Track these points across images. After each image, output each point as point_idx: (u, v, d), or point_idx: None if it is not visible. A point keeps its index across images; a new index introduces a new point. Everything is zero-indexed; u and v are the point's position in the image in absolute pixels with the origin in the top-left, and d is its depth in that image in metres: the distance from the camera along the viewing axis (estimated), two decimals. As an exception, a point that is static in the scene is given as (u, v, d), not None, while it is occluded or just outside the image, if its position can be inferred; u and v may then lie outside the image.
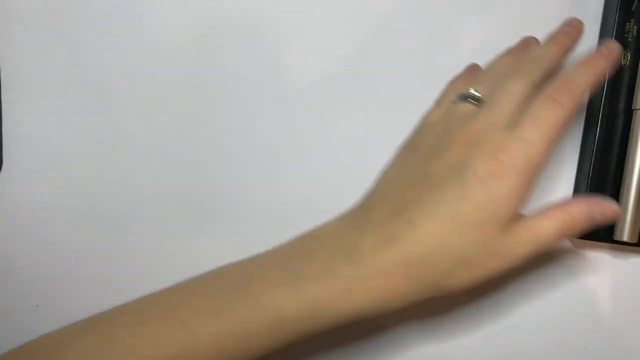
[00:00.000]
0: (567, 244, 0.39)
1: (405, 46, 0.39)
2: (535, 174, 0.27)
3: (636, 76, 0.37)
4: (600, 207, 0.29)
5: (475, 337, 0.39)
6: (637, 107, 0.37)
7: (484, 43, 0.40)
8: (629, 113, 0.38)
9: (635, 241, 0.37)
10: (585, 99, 0.40)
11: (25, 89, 0.39)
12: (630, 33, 0.38)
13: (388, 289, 0.27)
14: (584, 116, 0.40)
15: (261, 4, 0.37)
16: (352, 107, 0.39)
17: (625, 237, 0.37)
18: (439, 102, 0.34)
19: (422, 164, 0.29)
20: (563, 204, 0.29)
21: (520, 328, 0.39)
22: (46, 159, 0.39)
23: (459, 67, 0.38)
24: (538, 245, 0.28)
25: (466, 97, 0.31)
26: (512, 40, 0.40)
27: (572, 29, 0.31)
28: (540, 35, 0.40)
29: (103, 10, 0.39)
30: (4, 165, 0.39)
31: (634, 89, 0.37)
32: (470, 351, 0.39)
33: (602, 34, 0.39)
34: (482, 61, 0.40)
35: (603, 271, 0.39)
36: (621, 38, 0.38)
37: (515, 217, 0.28)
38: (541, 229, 0.28)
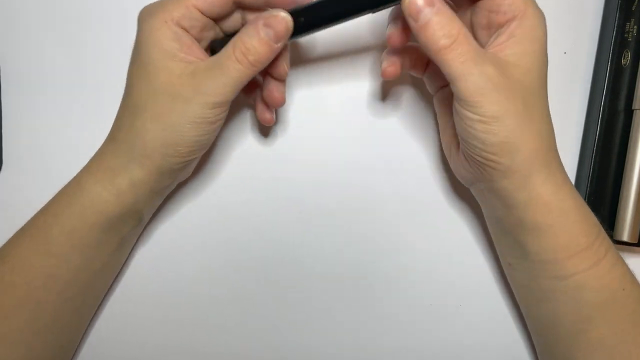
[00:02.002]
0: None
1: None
2: None
3: (636, 76, 0.37)
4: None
5: (472, 336, 0.40)
6: (637, 107, 0.37)
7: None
8: (629, 113, 0.38)
9: (635, 241, 0.37)
10: (586, 98, 0.40)
11: (25, 89, 0.39)
12: (630, 33, 0.38)
13: None
14: (584, 116, 0.40)
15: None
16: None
17: (625, 237, 0.37)
18: None
19: None
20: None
21: (519, 329, 0.39)
22: (46, 159, 0.39)
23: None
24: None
25: None
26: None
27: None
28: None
29: (103, 10, 0.39)
30: (4, 165, 0.39)
31: (634, 89, 0.37)
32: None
33: (602, 34, 0.39)
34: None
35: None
36: (621, 38, 0.38)
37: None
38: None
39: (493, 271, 0.39)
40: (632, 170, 0.37)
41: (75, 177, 0.33)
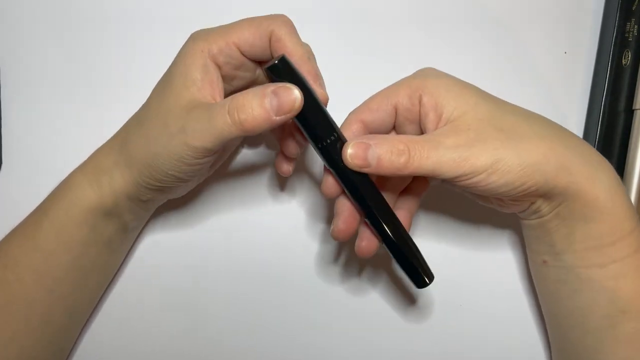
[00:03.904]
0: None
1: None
2: None
3: (636, 76, 0.37)
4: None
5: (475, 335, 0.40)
6: (637, 107, 0.37)
7: (486, 41, 0.40)
8: (629, 113, 0.38)
9: (635, 241, 0.37)
10: (586, 98, 0.40)
11: (25, 89, 0.39)
12: (631, 33, 0.38)
13: None
14: (584, 116, 0.40)
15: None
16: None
17: (626, 237, 0.37)
18: None
19: None
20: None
21: (519, 329, 0.39)
22: (46, 159, 0.39)
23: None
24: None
25: None
26: (513, 37, 0.40)
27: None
28: (539, 34, 0.40)
29: (103, 10, 0.39)
30: (3, 165, 0.39)
31: (635, 89, 0.37)
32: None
33: (603, 34, 0.39)
34: (487, 61, 0.40)
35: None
36: (621, 38, 0.38)
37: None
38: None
39: (495, 270, 0.39)
40: (632, 170, 0.37)
41: (70, 174, 0.34)
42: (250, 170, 0.40)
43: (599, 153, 0.32)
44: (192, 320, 0.39)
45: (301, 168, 0.40)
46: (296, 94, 0.27)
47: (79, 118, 0.39)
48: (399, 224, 0.31)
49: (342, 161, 0.29)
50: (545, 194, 0.30)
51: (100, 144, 0.34)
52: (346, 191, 0.31)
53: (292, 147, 0.33)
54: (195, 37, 0.31)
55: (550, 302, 0.35)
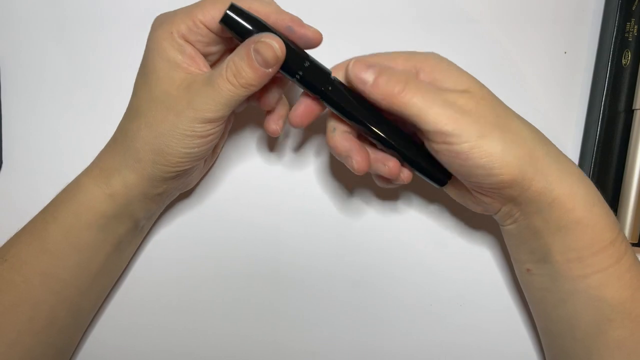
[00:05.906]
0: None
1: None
2: None
3: (636, 76, 0.37)
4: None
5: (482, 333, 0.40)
6: (637, 107, 0.37)
7: (486, 40, 0.40)
8: (629, 113, 0.38)
9: (635, 241, 0.37)
10: (586, 98, 0.40)
11: (25, 89, 0.39)
12: (631, 33, 0.38)
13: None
14: (584, 116, 0.40)
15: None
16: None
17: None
18: None
19: None
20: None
21: (521, 328, 0.39)
22: (46, 159, 0.39)
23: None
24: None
25: None
26: (513, 36, 0.40)
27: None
28: (539, 33, 0.40)
29: (103, 11, 0.39)
30: (3, 165, 0.39)
31: (635, 89, 0.37)
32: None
33: (603, 34, 0.39)
34: (486, 60, 0.40)
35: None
36: (621, 38, 0.38)
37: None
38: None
39: (494, 270, 0.39)
40: (632, 170, 0.37)
41: (75, 178, 0.33)
42: (240, 159, 0.40)
43: (580, 169, 0.32)
44: (195, 321, 0.39)
45: (304, 162, 0.40)
46: (274, 45, 0.28)
47: (79, 118, 0.39)
48: (403, 133, 0.31)
49: (327, 85, 0.30)
50: (518, 197, 0.30)
51: (101, 144, 0.34)
52: (342, 116, 0.31)
53: (266, 99, 0.33)
54: (161, 22, 0.31)
55: (539, 310, 0.35)
